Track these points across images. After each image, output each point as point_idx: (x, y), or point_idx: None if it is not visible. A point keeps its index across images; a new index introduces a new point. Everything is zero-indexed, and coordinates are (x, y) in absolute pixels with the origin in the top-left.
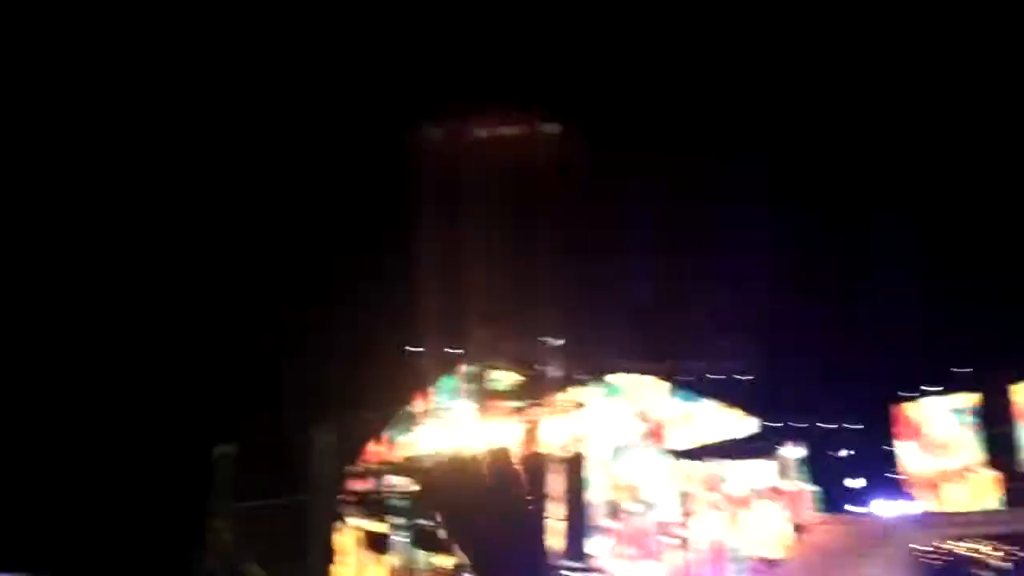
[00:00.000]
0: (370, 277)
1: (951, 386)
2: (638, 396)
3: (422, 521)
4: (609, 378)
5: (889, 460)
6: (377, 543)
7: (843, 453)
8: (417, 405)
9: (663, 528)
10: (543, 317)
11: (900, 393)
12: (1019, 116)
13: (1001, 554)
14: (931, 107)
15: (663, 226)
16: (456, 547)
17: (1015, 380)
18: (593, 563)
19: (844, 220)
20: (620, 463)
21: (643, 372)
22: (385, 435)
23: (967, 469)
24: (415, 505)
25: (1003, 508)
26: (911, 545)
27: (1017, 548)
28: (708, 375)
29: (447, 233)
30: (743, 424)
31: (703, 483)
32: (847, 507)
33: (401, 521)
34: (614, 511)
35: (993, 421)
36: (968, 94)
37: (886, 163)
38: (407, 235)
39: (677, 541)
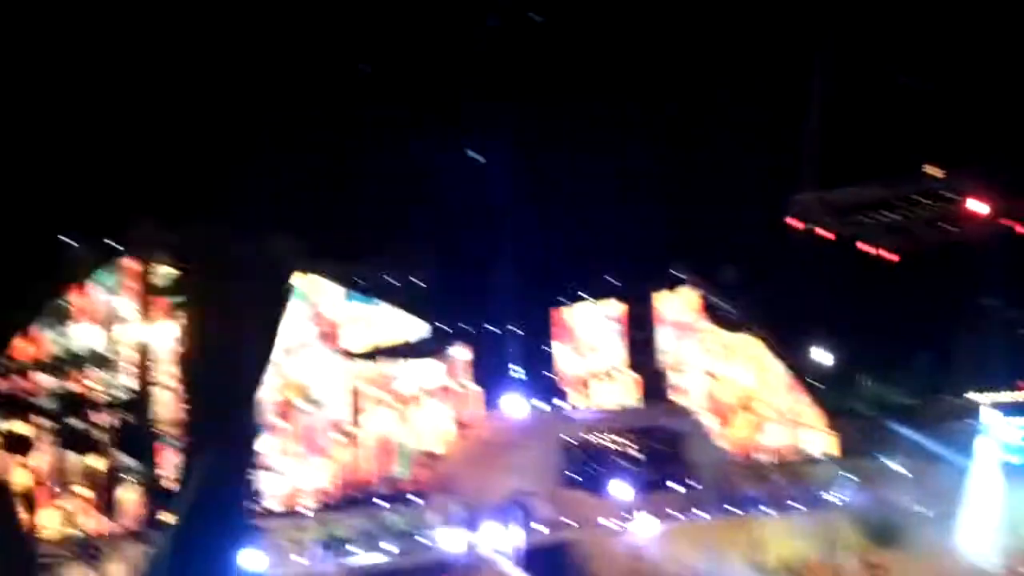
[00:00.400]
0: None
1: (602, 295)
2: (313, 297)
3: (74, 422)
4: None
5: (547, 361)
6: (20, 445)
7: (507, 354)
8: (70, 300)
9: (333, 426)
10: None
11: (558, 300)
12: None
13: (637, 446)
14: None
15: (336, 130)
16: (112, 449)
17: (656, 290)
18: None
19: (511, 138)
20: (292, 363)
21: (319, 273)
22: (34, 331)
23: (613, 369)
24: (66, 405)
25: (638, 405)
26: (562, 436)
27: (651, 440)
28: (383, 279)
29: None
30: (415, 327)
31: (374, 382)
32: (508, 404)
33: (50, 423)
34: (284, 410)
35: (636, 327)
36: None
37: (537, 95)
38: None
39: (346, 439)
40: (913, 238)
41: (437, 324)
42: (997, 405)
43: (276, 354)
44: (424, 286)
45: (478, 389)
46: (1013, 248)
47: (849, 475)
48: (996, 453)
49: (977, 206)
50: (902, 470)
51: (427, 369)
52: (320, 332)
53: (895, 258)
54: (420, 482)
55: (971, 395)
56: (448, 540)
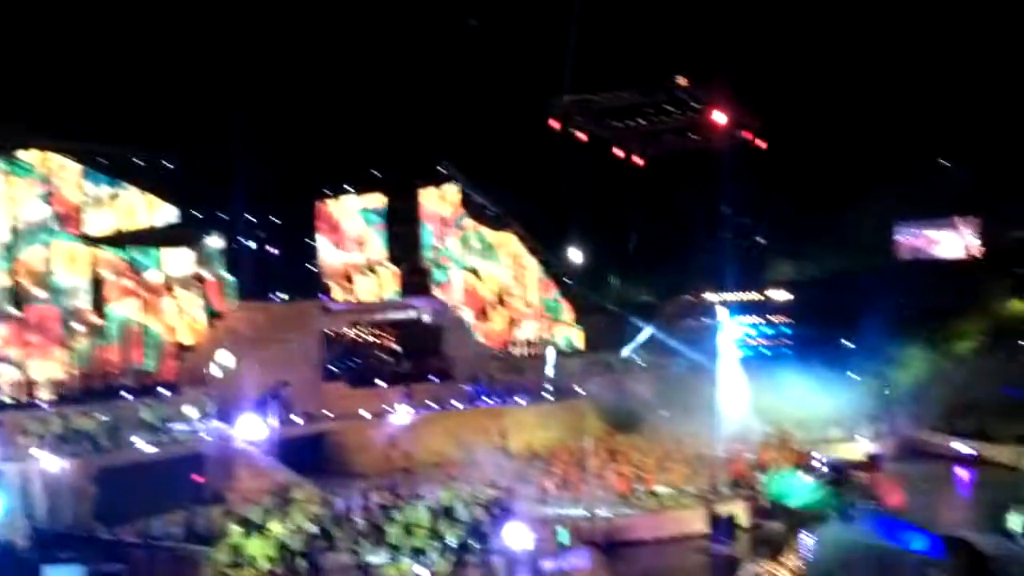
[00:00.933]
0: None
1: (366, 188)
2: (49, 176)
3: None
4: (20, 154)
5: (308, 253)
6: None
7: (265, 244)
8: None
9: (73, 315)
10: None
11: (321, 191)
12: None
13: (397, 338)
14: None
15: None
16: None
17: (420, 185)
18: None
19: (278, 24)
20: (25, 246)
21: (58, 151)
22: None
23: (375, 263)
24: None
25: (400, 299)
26: (323, 330)
27: (411, 333)
28: (129, 159)
29: None
30: (164, 211)
31: (119, 270)
32: (267, 296)
33: None
34: (17, 297)
35: (399, 221)
36: None
37: None
38: None
39: (87, 329)
40: (660, 144)
41: (188, 210)
42: (730, 304)
43: (4, 235)
44: (173, 168)
45: (232, 279)
46: (749, 158)
47: (595, 366)
48: (729, 348)
49: (718, 117)
50: (642, 363)
51: (177, 257)
52: (58, 214)
53: (642, 162)
54: (170, 374)
55: (707, 295)
56: (201, 433)
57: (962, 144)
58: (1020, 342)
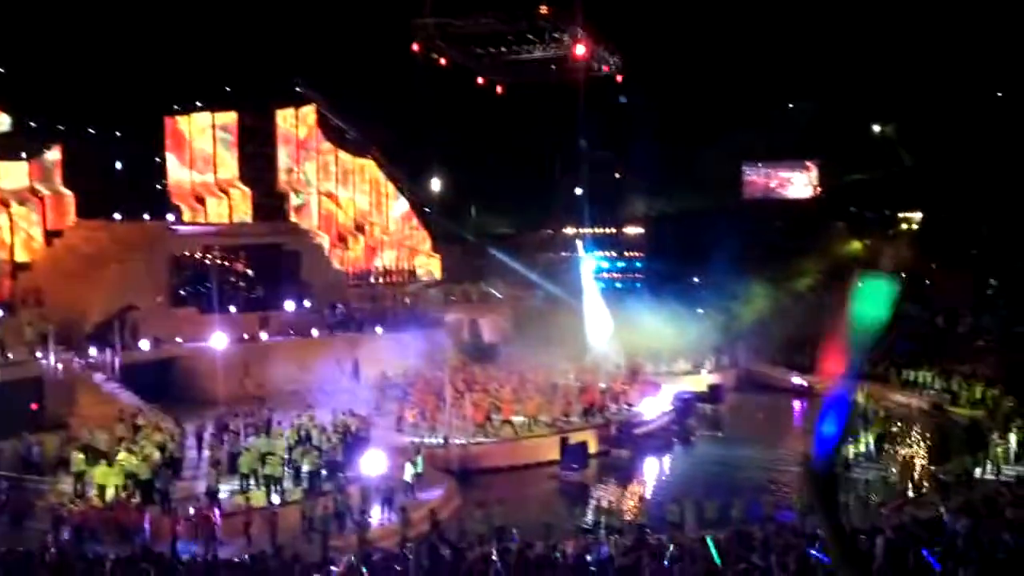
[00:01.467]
0: None
1: (218, 105)
2: None
3: None
4: None
5: (156, 171)
6: None
7: (109, 160)
8: None
9: None
10: None
11: (171, 107)
12: None
13: (251, 263)
14: None
15: None
16: None
17: (277, 106)
18: None
19: None
20: None
21: None
22: None
23: (228, 184)
24: None
25: (253, 222)
26: (171, 252)
27: (265, 258)
28: None
29: None
30: None
31: None
32: (110, 214)
33: None
34: None
35: (253, 141)
36: None
37: None
38: None
39: None
40: (522, 74)
41: (23, 119)
42: (587, 238)
43: None
44: (4, 72)
45: (71, 195)
46: (608, 93)
47: (453, 296)
48: (584, 281)
49: (579, 48)
50: (499, 294)
51: (11, 170)
52: None
53: (502, 91)
54: (4, 294)
55: (565, 228)
56: (40, 356)
57: (807, 88)
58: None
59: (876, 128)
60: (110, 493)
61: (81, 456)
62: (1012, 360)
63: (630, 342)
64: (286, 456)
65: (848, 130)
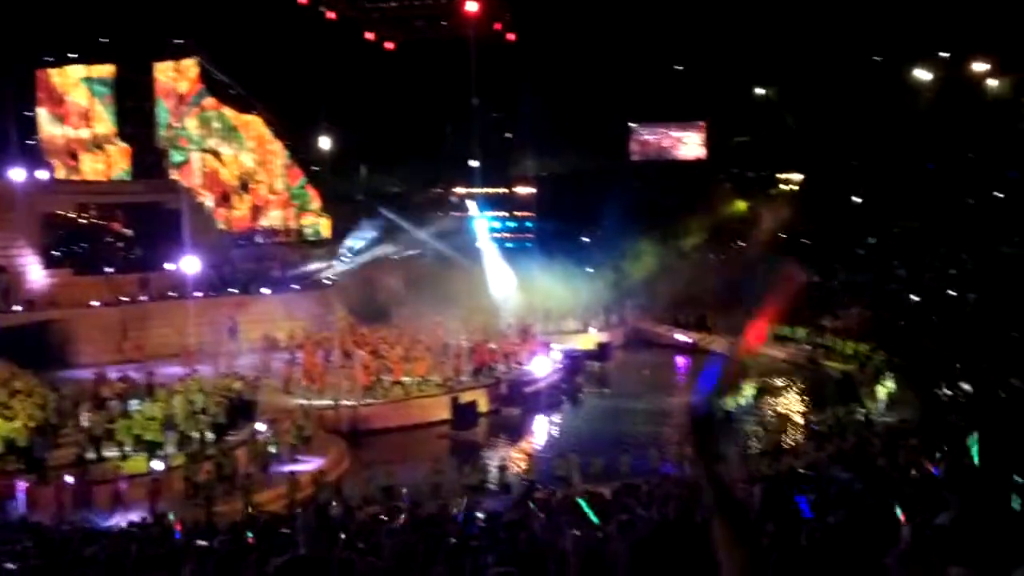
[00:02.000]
0: None
1: (93, 57)
2: None
3: None
4: None
5: (25, 125)
6: None
7: None
8: None
9: None
10: None
11: (43, 58)
12: None
13: (129, 222)
14: None
15: None
16: None
17: (157, 58)
18: None
19: None
20: None
21: None
22: None
23: (104, 140)
24: None
25: (131, 180)
26: (43, 210)
27: (145, 217)
28: None
29: None
30: None
31: None
32: None
33: None
34: None
35: (131, 96)
36: None
37: None
38: None
39: None
40: (412, 30)
41: None
42: (478, 198)
43: None
44: None
45: None
46: (499, 51)
47: (342, 257)
48: (476, 241)
49: (470, 6)
50: (388, 253)
51: None
52: None
53: (392, 47)
54: None
55: (456, 188)
56: None
57: (694, 51)
58: (738, 241)
59: (759, 91)
60: None
61: None
62: (882, 316)
63: (521, 302)
64: (168, 421)
65: (734, 92)
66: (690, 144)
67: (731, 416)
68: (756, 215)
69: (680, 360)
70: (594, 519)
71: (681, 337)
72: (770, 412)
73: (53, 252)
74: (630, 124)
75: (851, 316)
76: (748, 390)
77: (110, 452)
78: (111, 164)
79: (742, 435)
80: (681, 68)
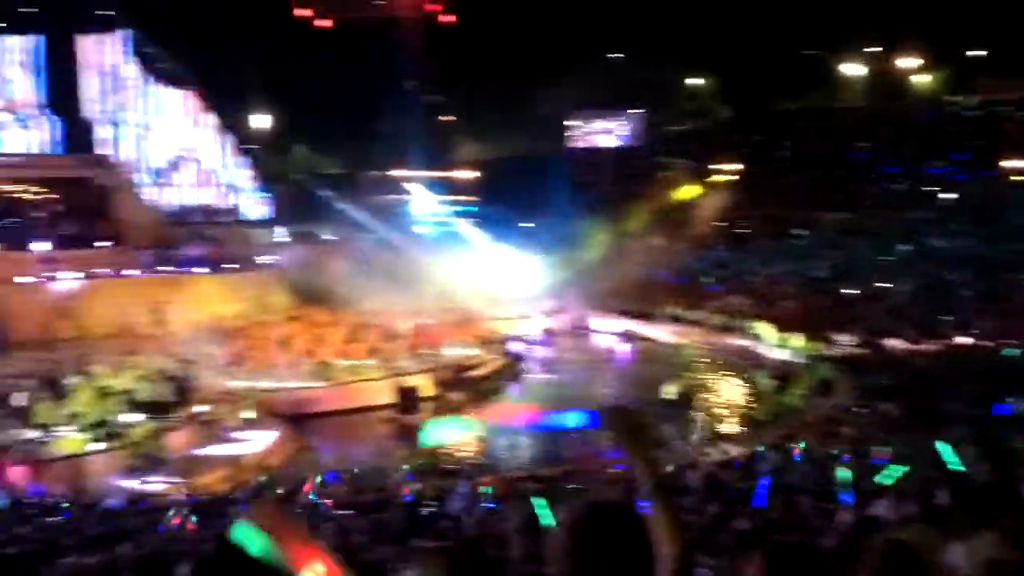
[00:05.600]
0: None
1: (17, 27)
2: None
3: None
4: None
5: None
6: None
7: None
8: None
9: None
10: None
11: None
12: None
13: (58, 198)
14: None
15: None
16: None
17: (85, 29)
18: None
19: None
20: None
21: None
22: None
23: (28, 112)
24: None
25: (60, 154)
26: None
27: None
28: None
29: None
30: None
31: None
32: None
33: None
34: None
35: (57, 68)
36: None
37: None
38: None
39: None
40: (348, 8)
41: None
42: (418, 181)
43: None
44: None
45: None
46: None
47: (282, 238)
48: (416, 225)
49: None
50: (329, 235)
51: None
52: None
53: (329, 24)
54: None
55: (396, 171)
56: None
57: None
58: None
59: (696, 81)
60: None
61: None
62: (811, 305)
63: (463, 287)
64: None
65: (669, 82)
66: (623, 132)
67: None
68: (696, 203)
69: (622, 347)
70: (541, 508)
71: (621, 325)
72: (707, 401)
73: None
74: (570, 109)
75: (784, 306)
76: (685, 379)
77: (47, 433)
78: (36, 137)
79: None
80: (619, 56)
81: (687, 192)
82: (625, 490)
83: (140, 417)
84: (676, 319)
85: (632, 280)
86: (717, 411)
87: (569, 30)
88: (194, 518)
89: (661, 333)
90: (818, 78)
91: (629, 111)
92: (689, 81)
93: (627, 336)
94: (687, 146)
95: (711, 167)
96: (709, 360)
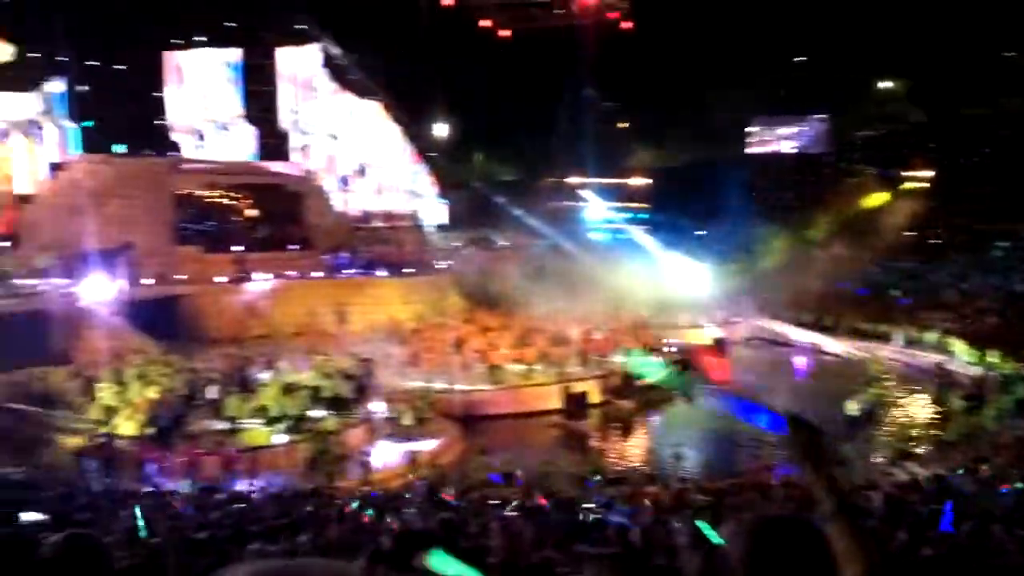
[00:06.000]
0: None
1: (220, 40)
2: None
3: None
4: None
5: (156, 106)
6: None
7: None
8: None
9: None
10: None
11: (171, 41)
12: None
13: (254, 202)
14: None
15: None
16: None
17: (282, 43)
18: None
19: None
20: None
21: None
22: None
23: (230, 122)
24: None
25: (257, 162)
26: (172, 190)
27: (268, 198)
28: None
29: None
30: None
31: None
32: (110, 149)
33: None
34: None
35: (257, 79)
36: None
37: None
38: None
39: None
40: (528, 19)
41: (26, 50)
42: (592, 187)
43: None
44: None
45: (76, 127)
46: (615, 41)
47: (459, 243)
48: (589, 231)
49: None
50: (506, 241)
51: (15, 101)
52: None
53: (508, 34)
54: (8, 226)
55: (570, 178)
56: (44, 289)
57: (817, 44)
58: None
59: (886, 84)
60: (130, 428)
61: (106, 391)
62: (1012, 320)
63: (635, 293)
64: (293, 397)
65: (856, 85)
66: (809, 137)
67: (853, 422)
68: (883, 212)
69: (799, 360)
70: (709, 532)
71: (800, 336)
72: (893, 419)
73: (181, 229)
74: (746, 116)
75: (982, 321)
76: (870, 396)
77: (244, 424)
78: (236, 146)
79: (863, 443)
80: (804, 59)
81: (874, 200)
82: (799, 508)
83: (322, 413)
84: (859, 332)
85: (811, 291)
86: (902, 430)
87: (749, 34)
88: (369, 512)
89: (843, 347)
90: (1017, 81)
91: (811, 116)
92: (877, 84)
93: (807, 348)
94: (874, 152)
95: (900, 174)
96: (895, 376)
